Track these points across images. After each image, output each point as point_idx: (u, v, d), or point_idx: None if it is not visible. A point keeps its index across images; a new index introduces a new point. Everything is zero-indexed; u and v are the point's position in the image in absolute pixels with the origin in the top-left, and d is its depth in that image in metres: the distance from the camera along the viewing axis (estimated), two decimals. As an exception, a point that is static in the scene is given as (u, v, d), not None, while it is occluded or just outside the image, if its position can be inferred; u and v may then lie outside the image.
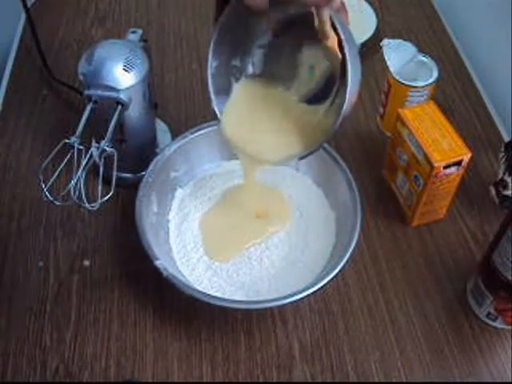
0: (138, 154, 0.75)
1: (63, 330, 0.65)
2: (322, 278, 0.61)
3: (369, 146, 0.83)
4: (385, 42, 0.80)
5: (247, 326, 0.66)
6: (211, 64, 0.60)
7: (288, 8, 0.57)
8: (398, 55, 0.79)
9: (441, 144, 0.66)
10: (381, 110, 0.83)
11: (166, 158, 0.70)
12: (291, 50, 0.62)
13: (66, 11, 1.02)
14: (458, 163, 0.66)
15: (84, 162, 0.60)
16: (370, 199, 0.75)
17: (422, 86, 0.77)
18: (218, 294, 0.64)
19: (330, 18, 0.52)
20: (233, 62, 0.62)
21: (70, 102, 0.88)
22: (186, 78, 0.92)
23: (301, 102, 0.63)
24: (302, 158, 0.61)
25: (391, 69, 0.78)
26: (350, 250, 0.62)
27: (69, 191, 0.60)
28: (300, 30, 0.58)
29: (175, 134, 0.79)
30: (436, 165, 0.65)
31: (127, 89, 0.66)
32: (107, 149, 0.62)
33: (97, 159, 0.62)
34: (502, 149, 0.73)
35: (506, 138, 0.82)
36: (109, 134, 0.63)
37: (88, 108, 0.65)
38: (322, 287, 0.60)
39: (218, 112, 0.63)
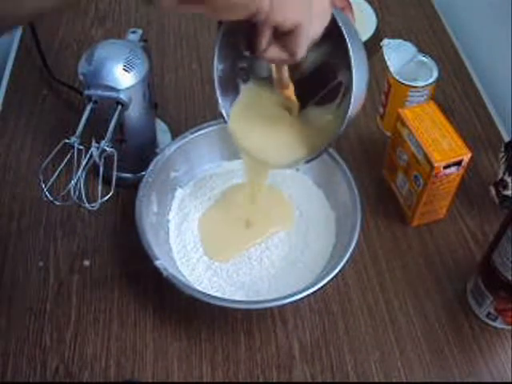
0: (138, 154, 0.75)
1: (63, 330, 0.65)
2: (322, 278, 0.61)
3: (369, 146, 0.83)
4: (385, 42, 0.80)
5: (247, 326, 0.66)
6: (217, 67, 0.60)
7: None
8: (398, 55, 0.79)
9: (441, 144, 0.66)
10: (381, 110, 0.83)
11: (166, 158, 0.70)
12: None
13: (65, 11, 1.02)
14: (458, 163, 0.66)
15: (84, 162, 0.60)
16: (370, 199, 0.75)
17: (422, 86, 0.77)
18: (218, 294, 0.64)
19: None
20: (239, 64, 0.62)
21: (70, 102, 0.88)
22: (186, 78, 0.92)
23: (309, 105, 0.62)
24: (307, 161, 0.61)
25: (391, 69, 0.78)
26: (350, 250, 0.62)
27: (69, 191, 0.60)
28: None
29: (175, 134, 0.79)
30: (436, 165, 0.65)
31: (127, 89, 0.66)
32: (107, 149, 0.62)
33: (97, 159, 0.62)
34: (502, 149, 0.73)
35: (506, 138, 0.82)
36: (109, 134, 0.63)
37: (88, 108, 0.65)
38: (322, 287, 0.60)
39: (225, 114, 0.62)
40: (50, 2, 0.42)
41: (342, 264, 0.61)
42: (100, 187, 0.62)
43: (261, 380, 0.62)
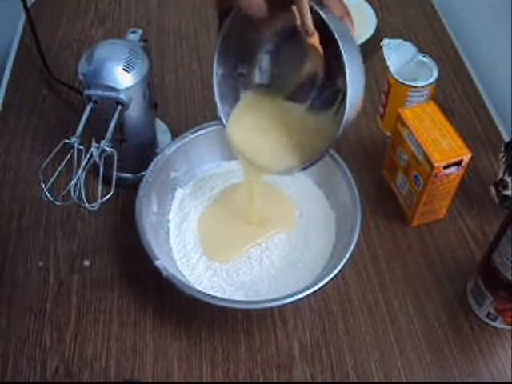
0: (138, 154, 0.75)
1: (63, 330, 0.65)
2: (322, 278, 0.61)
3: (369, 146, 0.83)
4: (385, 42, 0.80)
5: (247, 325, 0.66)
6: (216, 72, 0.60)
7: (289, 15, 0.57)
8: (398, 55, 0.79)
9: (441, 144, 0.66)
10: (381, 110, 0.83)
11: (166, 158, 0.70)
12: (295, 58, 0.62)
13: (65, 11, 1.02)
14: (458, 163, 0.66)
15: (84, 162, 0.60)
16: (370, 199, 0.75)
17: (422, 86, 0.77)
18: (218, 294, 0.64)
19: (324, 21, 0.51)
20: (239, 69, 0.62)
21: (70, 102, 0.88)
22: (186, 78, 0.92)
23: (308, 110, 0.62)
24: (304, 168, 0.60)
25: (391, 69, 0.78)
26: (350, 250, 0.62)
27: (69, 191, 0.60)
28: (302, 38, 0.58)
29: (175, 134, 0.79)
30: (436, 165, 0.65)
31: (127, 89, 0.66)
32: (107, 149, 0.62)
33: (97, 159, 0.62)
34: (502, 149, 0.73)
35: (506, 138, 0.82)
36: (109, 134, 0.63)
37: (88, 108, 0.65)
38: (322, 287, 0.60)
39: (223, 120, 0.62)
40: None
41: (342, 264, 0.61)
42: (100, 187, 0.62)
43: (261, 380, 0.62)
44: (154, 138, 0.77)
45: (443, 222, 0.74)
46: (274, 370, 0.63)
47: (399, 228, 0.74)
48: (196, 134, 0.73)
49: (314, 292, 0.60)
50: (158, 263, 0.61)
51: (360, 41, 0.90)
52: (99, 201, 0.62)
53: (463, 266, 0.70)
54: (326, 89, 0.60)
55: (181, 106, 0.87)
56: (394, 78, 0.77)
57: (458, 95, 0.89)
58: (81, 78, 0.66)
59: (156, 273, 0.61)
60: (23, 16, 0.98)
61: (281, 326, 0.66)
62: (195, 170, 0.75)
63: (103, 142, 0.62)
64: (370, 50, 0.90)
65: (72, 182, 0.60)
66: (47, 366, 0.63)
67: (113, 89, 0.65)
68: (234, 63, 0.61)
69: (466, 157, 0.66)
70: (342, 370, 0.63)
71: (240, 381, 0.62)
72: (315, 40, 0.57)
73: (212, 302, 0.60)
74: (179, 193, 0.73)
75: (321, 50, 0.58)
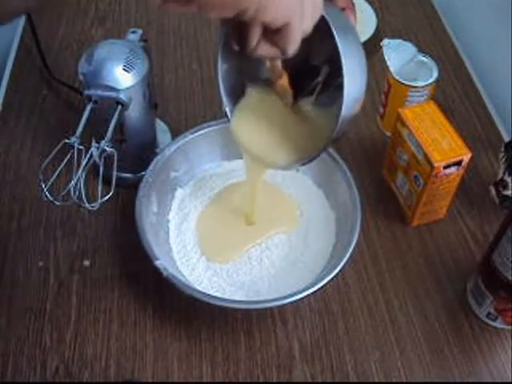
0: (138, 154, 0.75)
1: (63, 330, 0.65)
2: (322, 278, 0.61)
3: (369, 146, 0.83)
4: (385, 42, 0.80)
5: (247, 325, 0.66)
6: (221, 67, 0.59)
7: None
8: (398, 55, 0.79)
9: (441, 144, 0.66)
10: (381, 110, 0.83)
11: (166, 158, 0.70)
12: (300, 52, 0.61)
13: (65, 11, 1.02)
14: (458, 163, 0.66)
15: (84, 162, 0.60)
16: (370, 199, 0.75)
17: (422, 86, 0.77)
18: (218, 294, 0.64)
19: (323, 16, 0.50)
20: (244, 64, 0.62)
21: (70, 102, 0.88)
22: (186, 78, 0.92)
23: (314, 106, 0.62)
24: (303, 164, 0.60)
25: (391, 69, 0.78)
26: (350, 250, 0.62)
27: (69, 191, 0.60)
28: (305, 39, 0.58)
29: (175, 133, 0.79)
30: (436, 165, 0.65)
31: (127, 89, 0.66)
32: (107, 149, 0.62)
33: (97, 159, 0.62)
34: (502, 149, 0.73)
35: (506, 138, 0.82)
36: (109, 134, 0.63)
37: (88, 108, 0.65)
38: (322, 287, 0.60)
39: (229, 113, 0.62)
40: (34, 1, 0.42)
41: (342, 264, 0.61)
42: (100, 187, 0.62)
43: (261, 380, 0.62)
44: (153, 138, 0.77)
45: (443, 222, 0.75)
46: (274, 369, 0.63)
47: (399, 228, 0.74)
48: (196, 134, 0.73)
49: (314, 292, 0.60)
50: (157, 263, 0.61)
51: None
52: (99, 201, 0.62)
53: (463, 266, 0.70)
54: (331, 84, 0.60)
55: (181, 106, 0.87)
56: (394, 78, 0.77)
57: (458, 95, 0.89)
58: (81, 77, 0.66)
59: (156, 273, 0.61)
60: (23, 16, 0.98)
61: (281, 326, 0.66)
62: (195, 170, 0.75)
63: (103, 142, 0.62)
64: (370, 50, 0.89)
65: (72, 182, 0.60)
66: (47, 366, 0.63)
67: (113, 89, 0.65)
68: (238, 58, 0.60)
69: (466, 157, 0.66)
70: (342, 370, 0.63)
71: (240, 381, 0.62)
72: (284, 81, 0.58)
73: (212, 301, 0.60)
74: (179, 193, 0.73)
75: (290, 91, 0.59)
